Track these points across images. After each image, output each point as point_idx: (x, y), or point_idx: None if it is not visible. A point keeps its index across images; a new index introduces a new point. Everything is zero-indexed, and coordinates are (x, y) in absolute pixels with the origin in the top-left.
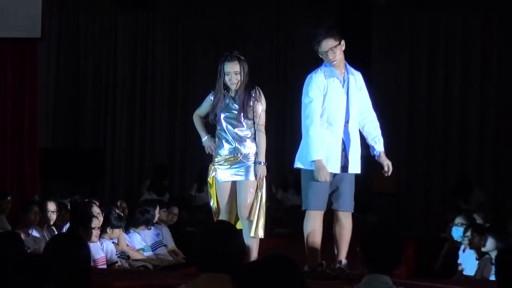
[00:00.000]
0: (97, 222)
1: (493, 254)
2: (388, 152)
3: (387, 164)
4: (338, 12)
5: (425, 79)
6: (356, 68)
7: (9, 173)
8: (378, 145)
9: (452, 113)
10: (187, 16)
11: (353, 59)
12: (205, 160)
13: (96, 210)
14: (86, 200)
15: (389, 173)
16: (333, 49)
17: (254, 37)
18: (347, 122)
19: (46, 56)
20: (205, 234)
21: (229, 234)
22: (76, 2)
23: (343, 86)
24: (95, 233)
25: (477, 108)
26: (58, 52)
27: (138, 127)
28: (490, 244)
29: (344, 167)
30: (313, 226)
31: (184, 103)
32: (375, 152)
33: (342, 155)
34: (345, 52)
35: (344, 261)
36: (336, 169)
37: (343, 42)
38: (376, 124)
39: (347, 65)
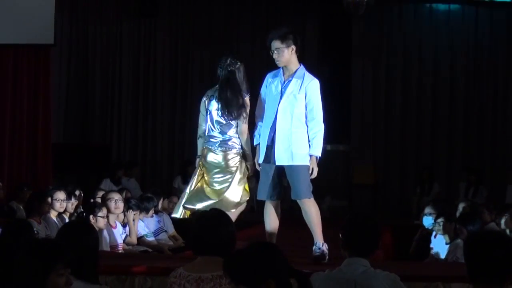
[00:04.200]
0: (105, 211)
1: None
2: (367, 147)
3: (311, 168)
4: (321, 20)
5: (400, 81)
6: (336, 71)
7: (25, 165)
8: (311, 148)
9: (425, 111)
10: (186, 23)
11: (335, 62)
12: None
13: (114, 196)
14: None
15: (311, 177)
16: (278, 50)
17: (246, 44)
18: (275, 120)
19: (58, 60)
20: (199, 221)
21: (221, 221)
22: (85, 11)
23: (281, 87)
24: (103, 221)
25: (447, 106)
26: (69, 56)
27: (141, 125)
28: (463, 232)
29: (270, 159)
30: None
31: (183, 103)
32: (300, 149)
33: (268, 148)
34: (327, 57)
35: (319, 243)
36: (264, 160)
37: (292, 47)
38: (313, 129)
39: (300, 71)
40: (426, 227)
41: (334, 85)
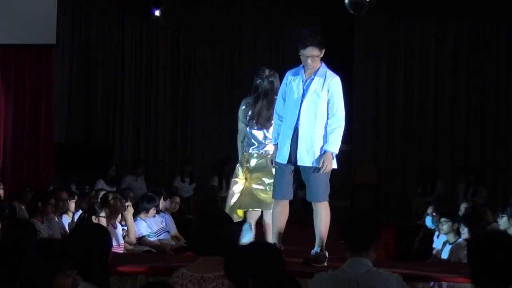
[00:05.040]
0: (107, 211)
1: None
2: (370, 148)
3: (322, 162)
4: (323, 21)
5: (402, 81)
6: (338, 71)
7: (27, 166)
8: (326, 144)
9: (427, 111)
10: (188, 23)
11: (336, 63)
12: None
13: (118, 195)
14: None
15: (322, 171)
16: (313, 58)
17: (247, 44)
18: (297, 119)
19: (61, 61)
20: (200, 222)
21: (221, 222)
22: (88, 11)
23: (303, 86)
24: (105, 221)
25: (449, 107)
26: (71, 56)
27: (143, 125)
28: (466, 233)
29: (291, 159)
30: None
31: (185, 103)
32: (322, 149)
33: (290, 148)
34: (329, 57)
35: (317, 247)
36: (283, 160)
37: (323, 51)
38: (332, 125)
39: (322, 69)
40: (429, 227)
41: None
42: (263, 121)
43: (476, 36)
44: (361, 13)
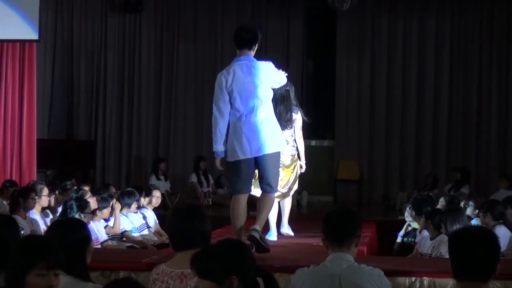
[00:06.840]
0: (89, 208)
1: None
2: (352, 143)
3: None
4: (306, 16)
5: (385, 77)
6: (321, 67)
7: (9, 161)
8: None
9: (409, 107)
10: (170, 19)
11: (320, 58)
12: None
13: (87, 195)
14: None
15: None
16: None
17: (230, 38)
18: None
19: (43, 56)
20: (175, 217)
21: (195, 215)
22: (70, 6)
23: None
24: (89, 217)
25: (431, 102)
26: (54, 52)
27: (126, 120)
28: (444, 228)
29: None
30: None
31: (167, 98)
32: None
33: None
34: (312, 53)
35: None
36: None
37: None
38: None
39: None
40: (408, 222)
41: (319, 80)
42: (283, 123)
43: (457, 29)
44: (344, 8)
